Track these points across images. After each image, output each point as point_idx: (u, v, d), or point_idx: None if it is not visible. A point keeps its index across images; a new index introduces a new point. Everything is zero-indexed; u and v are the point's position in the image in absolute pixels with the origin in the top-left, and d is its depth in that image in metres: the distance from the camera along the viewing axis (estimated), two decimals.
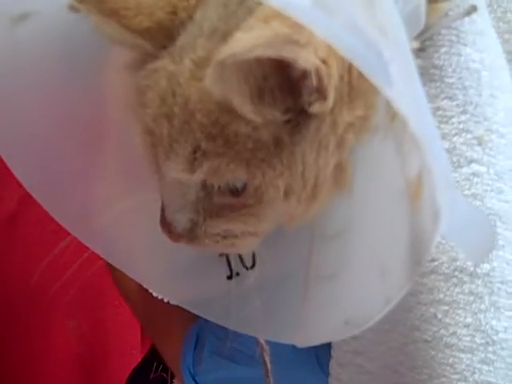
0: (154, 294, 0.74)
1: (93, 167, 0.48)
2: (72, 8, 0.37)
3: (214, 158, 0.37)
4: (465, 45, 0.50)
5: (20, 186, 0.46)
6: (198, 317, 0.62)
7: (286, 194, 0.39)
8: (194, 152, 0.37)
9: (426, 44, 0.49)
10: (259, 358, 0.55)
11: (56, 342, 0.93)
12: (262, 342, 0.54)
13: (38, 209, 0.84)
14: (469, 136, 0.50)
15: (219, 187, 0.39)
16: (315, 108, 0.35)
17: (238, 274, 0.50)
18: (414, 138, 0.30)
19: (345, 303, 0.45)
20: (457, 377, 0.49)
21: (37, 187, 0.46)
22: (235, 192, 0.39)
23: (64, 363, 0.94)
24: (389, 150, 0.39)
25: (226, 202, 0.40)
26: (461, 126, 0.50)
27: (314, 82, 0.32)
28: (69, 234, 0.55)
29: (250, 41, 0.30)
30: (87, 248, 0.50)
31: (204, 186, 0.40)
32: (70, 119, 0.45)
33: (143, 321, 0.86)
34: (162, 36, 0.38)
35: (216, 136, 0.36)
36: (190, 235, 0.41)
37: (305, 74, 0.32)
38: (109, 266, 0.54)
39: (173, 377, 0.93)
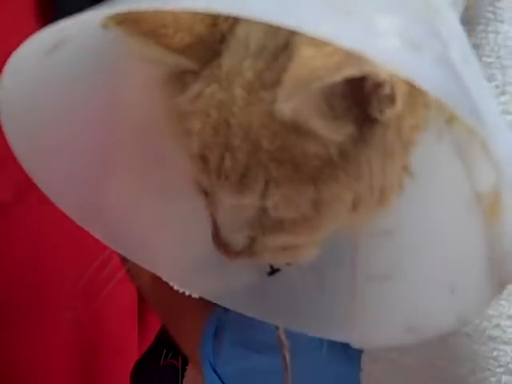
0: (176, 288, 0.72)
1: (108, 166, 0.46)
2: (106, 27, 0.35)
3: (284, 184, 0.36)
4: (502, 22, 0.48)
5: (17, 175, 0.43)
6: (215, 305, 0.60)
7: (354, 206, 0.38)
8: (267, 183, 0.36)
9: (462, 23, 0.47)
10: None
11: (53, 333, 0.91)
12: (282, 336, 0.52)
13: (34, 201, 0.81)
14: (509, 118, 0.48)
15: None
16: (386, 114, 0.34)
17: (278, 269, 0.48)
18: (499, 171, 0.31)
19: (406, 310, 0.44)
20: (501, 370, 0.48)
21: (46, 182, 0.43)
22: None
23: (61, 355, 0.92)
24: (446, 154, 0.38)
25: (287, 216, 0.38)
26: (500, 108, 0.48)
27: (388, 90, 0.32)
28: (65, 226, 0.53)
29: (327, 61, 0.29)
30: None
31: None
32: (91, 127, 0.44)
33: (157, 310, 0.85)
34: (204, 51, 0.36)
35: (284, 161, 0.35)
36: (249, 251, 0.40)
37: (378, 85, 0.32)
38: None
39: (185, 363, 0.91)
